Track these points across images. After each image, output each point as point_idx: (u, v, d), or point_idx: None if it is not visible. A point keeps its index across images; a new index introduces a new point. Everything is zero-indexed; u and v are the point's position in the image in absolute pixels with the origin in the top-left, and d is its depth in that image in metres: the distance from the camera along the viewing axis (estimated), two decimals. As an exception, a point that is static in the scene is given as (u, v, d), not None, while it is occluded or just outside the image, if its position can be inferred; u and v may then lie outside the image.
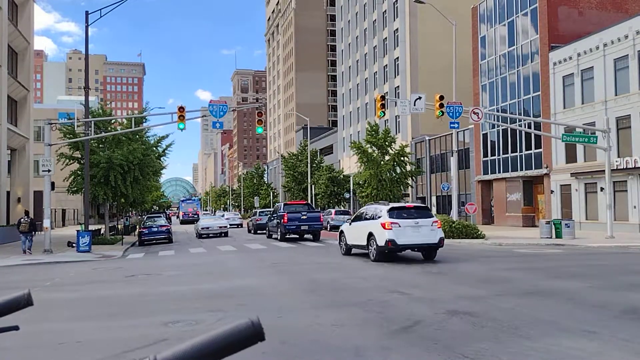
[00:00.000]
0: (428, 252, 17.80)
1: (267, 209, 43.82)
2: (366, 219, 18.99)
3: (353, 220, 20.31)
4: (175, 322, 8.30)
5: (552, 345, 6.38)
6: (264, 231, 35.60)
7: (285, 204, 32.57)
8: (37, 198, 37.97)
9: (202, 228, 37.52)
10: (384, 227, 17.11)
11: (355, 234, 19.45)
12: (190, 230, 45.80)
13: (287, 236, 30.42)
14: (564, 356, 5.98)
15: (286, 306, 9.59)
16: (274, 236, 32.11)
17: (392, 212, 17.58)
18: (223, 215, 58.42)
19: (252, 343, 1.10)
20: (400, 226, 17.07)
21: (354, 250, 20.31)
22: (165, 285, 13.34)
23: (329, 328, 7.67)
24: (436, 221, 17.61)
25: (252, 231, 41.96)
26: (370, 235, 17.90)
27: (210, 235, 36.94)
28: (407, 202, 54.12)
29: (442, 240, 17.40)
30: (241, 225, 56.39)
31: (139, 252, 25.62)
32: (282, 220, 29.64)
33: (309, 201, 59.38)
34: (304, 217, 29.74)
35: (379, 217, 17.77)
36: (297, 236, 31.20)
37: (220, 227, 37.73)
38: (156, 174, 38.27)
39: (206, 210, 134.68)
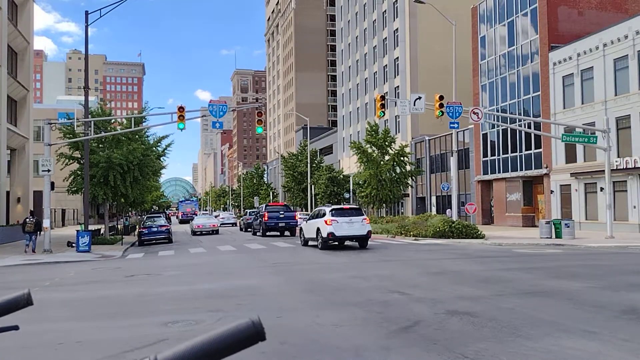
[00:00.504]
0: (360, 242, 22.87)
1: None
2: (316, 217, 23.63)
3: (309, 219, 25.04)
4: (175, 322, 8.30)
5: (552, 345, 6.38)
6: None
7: (266, 206, 36.93)
8: (37, 198, 37.97)
9: (196, 226, 42.00)
10: (327, 223, 22.11)
11: (309, 229, 24.21)
12: (185, 228, 48.97)
13: (268, 233, 34.60)
14: (563, 356, 5.97)
15: (286, 306, 9.59)
16: (257, 233, 36.33)
17: (333, 212, 22.46)
18: (218, 215, 64.13)
19: (253, 343, 1.09)
20: (338, 222, 22.07)
21: (310, 242, 24.75)
22: (164, 285, 13.33)
23: (328, 328, 7.66)
24: (365, 218, 22.83)
25: (242, 229, 46.27)
26: (318, 229, 22.76)
27: (204, 232, 41.19)
28: (405, 201, 54.24)
29: (369, 233, 22.70)
30: (235, 224, 60.07)
31: (138, 252, 25.61)
32: (263, 219, 34.35)
33: (309, 201, 59.77)
34: (282, 215, 34.35)
35: (324, 216, 22.61)
36: (278, 233, 35.17)
37: (212, 225, 42.25)
38: (156, 174, 38.31)
39: (206, 210, 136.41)
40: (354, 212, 22.83)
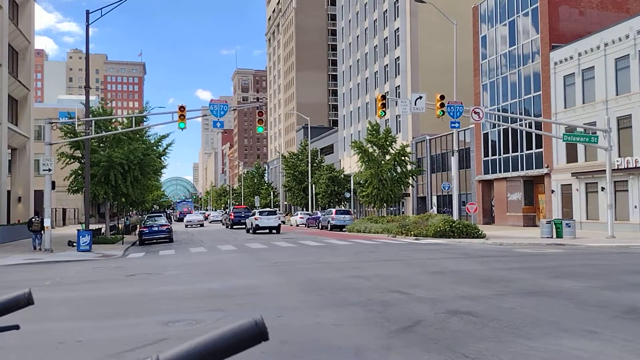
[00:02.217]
0: (275, 230, 38.96)
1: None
2: (252, 216, 41.41)
3: (249, 217, 42.55)
4: (176, 321, 8.30)
5: (553, 345, 6.37)
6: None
7: (233, 208, 56.82)
8: (38, 197, 37.94)
9: (187, 221, 60.85)
10: (255, 219, 39.23)
11: (248, 222, 41.76)
12: (188, 228, 56.69)
13: (234, 226, 49.81)
14: (564, 356, 5.97)
15: (286, 306, 9.59)
16: (228, 227, 52.18)
17: (259, 212, 40.47)
18: (209, 215, 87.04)
19: (256, 343, 1.09)
20: (261, 218, 39.01)
21: (250, 231, 40.43)
22: (165, 284, 13.33)
23: (329, 327, 7.66)
24: (277, 217, 39.74)
25: (223, 224, 61.96)
26: (252, 222, 39.83)
27: (193, 225, 58.87)
28: (404, 201, 54.29)
29: (280, 225, 39.70)
30: (222, 221, 70.69)
31: (139, 252, 25.61)
32: (230, 216, 52.68)
33: (310, 201, 60.10)
34: (243, 215, 49.81)
35: (255, 214, 40.41)
36: (243, 226, 46.92)
37: (198, 221, 61.43)
38: (156, 174, 38.30)
39: (206, 209, 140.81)
40: (272, 213, 40.55)
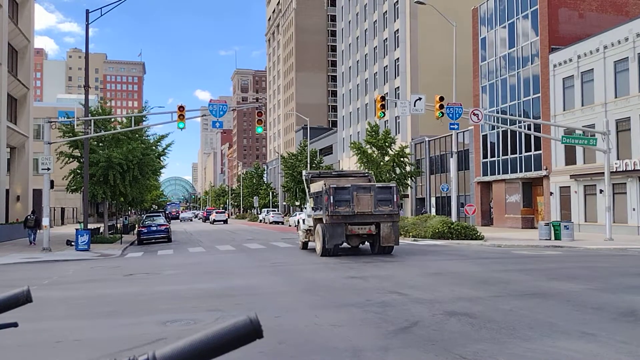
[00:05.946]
0: (224, 222, 70.71)
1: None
2: (212, 213, 77.62)
3: (211, 215, 78.77)
4: (173, 321, 8.31)
5: (550, 347, 6.39)
6: (208, 220, 77.03)
7: (206, 209, 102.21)
8: (37, 196, 37.94)
9: (182, 217, 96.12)
10: (213, 216, 74.76)
11: (210, 218, 76.26)
12: (185, 227, 62.07)
13: (206, 220, 77.90)
14: (561, 357, 5.98)
15: (284, 306, 9.60)
16: (204, 221, 78.56)
17: (215, 212, 77.19)
18: (199, 214, 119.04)
19: (251, 340, 1.10)
20: (216, 214, 73.74)
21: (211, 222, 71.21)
22: (163, 284, 13.34)
23: (327, 328, 7.67)
24: (225, 214, 76.54)
25: (203, 220, 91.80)
26: (212, 217, 74.92)
27: (185, 220, 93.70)
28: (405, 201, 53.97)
29: (227, 219, 74.33)
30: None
31: (137, 251, 25.59)
32: (204, 214, 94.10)
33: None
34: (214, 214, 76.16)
35: (213, 213, 76.78)
36: (209, 221, 72.19)
37: (189, 217, 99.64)
38: (155, 173, 38.25)
39: (205, 208, 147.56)
40: (222, 212, 75.74)
